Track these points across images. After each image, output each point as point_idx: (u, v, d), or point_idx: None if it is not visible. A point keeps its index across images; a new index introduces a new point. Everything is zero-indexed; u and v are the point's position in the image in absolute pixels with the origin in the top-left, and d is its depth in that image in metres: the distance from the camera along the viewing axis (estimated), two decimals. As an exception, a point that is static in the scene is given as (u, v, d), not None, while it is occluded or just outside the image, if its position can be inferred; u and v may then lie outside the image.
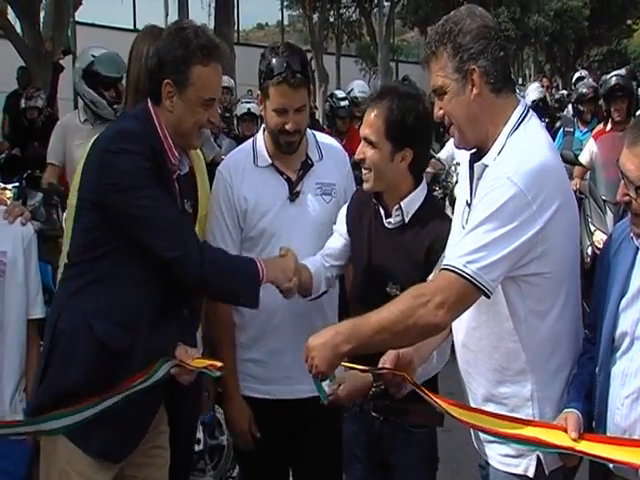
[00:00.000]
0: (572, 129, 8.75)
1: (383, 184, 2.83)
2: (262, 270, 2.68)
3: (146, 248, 2.58)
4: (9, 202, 3.35)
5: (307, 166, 3.14)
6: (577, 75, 12.80)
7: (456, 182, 6.69)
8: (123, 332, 2.60)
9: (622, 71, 8.63)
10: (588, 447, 2.23)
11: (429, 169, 7.05)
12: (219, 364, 2.64)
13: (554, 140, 7.09)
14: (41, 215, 5.28)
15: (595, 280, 2.50)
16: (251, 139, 3.25)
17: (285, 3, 35.18)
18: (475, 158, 2.49)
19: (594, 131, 7.90)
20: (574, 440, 2.24)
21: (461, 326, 2.52)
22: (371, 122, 2.78)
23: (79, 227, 2.72)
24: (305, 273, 2.86)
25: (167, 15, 24.96)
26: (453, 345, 2.63)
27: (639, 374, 2.29)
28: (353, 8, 33.13)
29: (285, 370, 3.06)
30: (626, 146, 2.28)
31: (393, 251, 2.83)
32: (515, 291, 2.39)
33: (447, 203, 6.97)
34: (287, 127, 3.01)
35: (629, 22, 43.71)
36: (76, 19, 17.41)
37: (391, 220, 2.85)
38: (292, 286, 2.76)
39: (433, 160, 7.25)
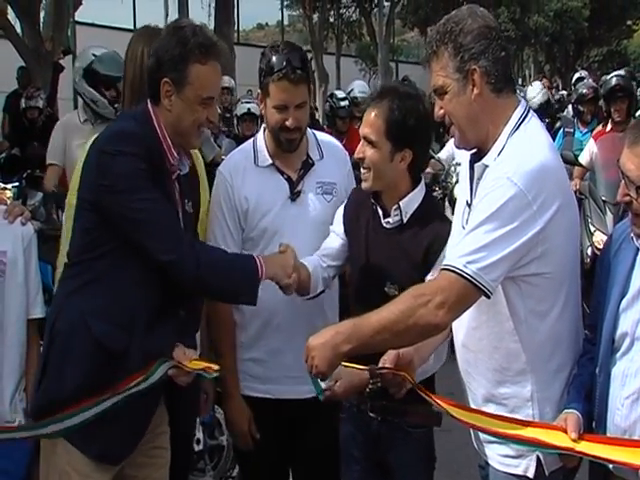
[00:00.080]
0: (572, 129, 8.76)
1: (382, 184, 2.83)
2: (261, 267, 2.67)
3: (142, 250, 2.58)
4: (9, 202, 3.35)
5: (308, 165, 3.14)
6: (577, 76, 12.80)
7: (456, 182, 6.69)
8: (120, 332, 2.60)
9: (622, 72, 8.62)
10: (588, 448, 2.23)
11: (429, 169, 7.05)
12: (215, 367, 2.64)
13: (554, 140, 7.09)
14: (41, 215, 5.29)
15: (595, 281, 2.50)
16: (251, 139, 3.25)
17: (285, 3, 35.21)
18: (475, 158, 2.50)
19: (594, 132, 7.91)
20: (574, 441, 2.24)
21: (461, 326, 2.52)
22: (371, 122, 2.78)
23: (78, 227, 2.72)
24: (304, 271, 2.86)
25: (167, 15, 24.94)
26: (453, 345, 2.63)
27: (639, 375, 2.29)
28: (353, 8, 33.14)
29: (285, 370, 3.05)
30: (627, 146, 2.29)
31: (391, 251, 2.83)
32: (515, 291, 2.39)
33: (447, 203, 6.97)
34: (288, 124, 3.01)
35: (629, 23, 43.76)
36: (76, 19, 17.41)
37: (389, 220, 2.85)
38: (291, 282, 2.76)
39: (433, 160, 7.25)
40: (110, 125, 2.88)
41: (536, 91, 10.35)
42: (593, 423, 2.37)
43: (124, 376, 2.57)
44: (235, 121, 8.11)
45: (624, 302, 2.34)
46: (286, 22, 39.83)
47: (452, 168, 7.09)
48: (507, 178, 2.29)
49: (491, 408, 2.46)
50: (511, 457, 2.46)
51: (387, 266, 2.83)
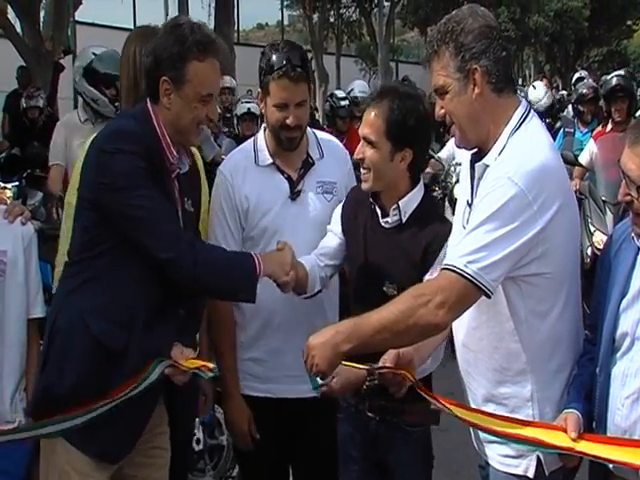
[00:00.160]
0: (572, 130, 8.76)
1: (382, 184, 2.83)
2: (259, 264, 2.67)
3: (140, 248, 2.58)
4: (9, 201, 3.35)
5: (308, 165, 3.14)
6: (577, 76, 12.79)
7: (456, 182, 6.69)
8: (119, 331, 2.60)
9: (622, 72, 8.62)
10: (588, 447, 2.23)
11: (428, 169, 7.05)
12: (212, 365, 2.65)
13: (554, 141, 7.09)
14: (41, 214, 5.30)
15: (595, 281, 2.50)
16: (252, 138, 3.24)
17: (285, 3, 35.21)
18: (476, 158, 2.50)
19: (594, 132, 7.91)
20: (574, 440, 2.24)
21: (461, 326, 2.52)
22: (371, 122, 2.78)
23: (78, 226, 2.73)
24: (301, 270, 2.86)
25: (167, 15, 24.95)
26: (453, 345, 2.63)
27: (639, 375, 2.29)
28: (353, 8, 33.14)
29: (285, 369, 3.05)
30: (627, 145, 2.29)
31: (390, 250, 2.83)
32: (516, 291, 2.39)
33: (447, 203, 6.97)
34: (288, 122, 3.01)
35: (629, 23, 43.75)
36: (76, 19, 17.39)
37: (388, 220, 2.85)
38: (289, 280, 2.76)
39: (433, 160, 7.25)
40: (109, 124, 2.89)
41: (541, 94, 10.27)
42: (593, 423, 2.37)
43: (122, 374, 2.57)
44: (235, 121, 8.11)
45: (624, 302, 2.34)
46: (286, 22, 39.86)
47: (452, 168, 7.09)
48: (508, 178, 2.29)
49: (491, 408, 2.46)
50: (511, 457, 2.46)
51: (386, 266, 2.83)
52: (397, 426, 2.82)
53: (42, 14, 14.69)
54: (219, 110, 8.03)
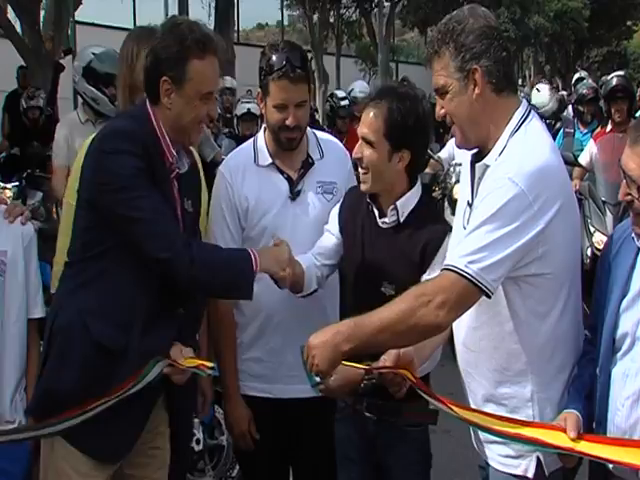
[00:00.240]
0: (572, 130, 8.75)
1: (381, 185, 2.82)
2: (255, 259, 2.67)
3: (137, 248, 2.58)
4: (9, 201, 3.35)
5: (308, 165, 3.14)
6: (577, 76, 12.77)
7: (455, 182, 6.69)
8: (118, 331, 2.60)
9: (621, 72, 8.62)
10: (588, 447, 2.23)
11: (428, 169, 7.06)
12: (210, 364, 2.64)
13: (554, 141, 7.08)
14: (41, 214, 5.30)
15: (596, 281, 2.50)
16: (252, 139, 3.25)
17: (285, 3, 35.17)
18: (476, 158, 2.50)
19: (594, 132, 7.90)
20: (573, 440, 2.24)
21: (462, 326, 2.52)
22: (370, 122, 2.78)
23: (77, 227, 2.73)
24: (298, 267, 2.86)
25: (167, 15, 24.93)
26: (454, 345, 2.63)
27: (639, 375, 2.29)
28: (353, 8, 33.11)
29: (285, 369, 3.05)
30: (628, 145, 2.28)
31: (388, 251, 2.83)
32: (516, 292, 2.39)
33: (446, 203, 6.97)
34: (288, 122, 3.01)
35: (629, 23, 43.77)
36: (76, 18, 17.38)
37: (386, 220, 2.85)
38: (286, 275, 2.76)
39: (432, 161, 7.25)
40: (108, 124, 2.89)
41: (546, 98, 10.09)
42: (593, 424, 2.37)
43: (121, 374, 2.57)
44: (235, 121, 8.11)
45: (625, 302, 2.34)
46: (286, 22, 39.80)
47: (452, 168, 7.09)
48: (508, 178, 2.29)
49: (491, 408, 2.45)
50: (511, 457, 2.46)
51: (384, 266, 2.83)
52: (395, 427, 2.82)
53: (42, 14, 14.69)
54: (219, 110, 8.03)
